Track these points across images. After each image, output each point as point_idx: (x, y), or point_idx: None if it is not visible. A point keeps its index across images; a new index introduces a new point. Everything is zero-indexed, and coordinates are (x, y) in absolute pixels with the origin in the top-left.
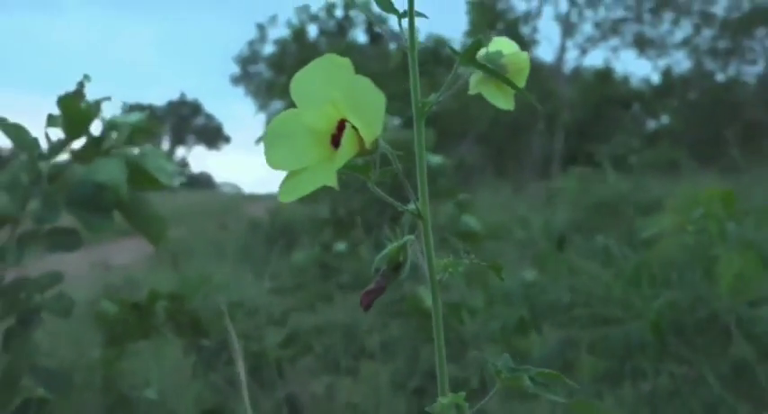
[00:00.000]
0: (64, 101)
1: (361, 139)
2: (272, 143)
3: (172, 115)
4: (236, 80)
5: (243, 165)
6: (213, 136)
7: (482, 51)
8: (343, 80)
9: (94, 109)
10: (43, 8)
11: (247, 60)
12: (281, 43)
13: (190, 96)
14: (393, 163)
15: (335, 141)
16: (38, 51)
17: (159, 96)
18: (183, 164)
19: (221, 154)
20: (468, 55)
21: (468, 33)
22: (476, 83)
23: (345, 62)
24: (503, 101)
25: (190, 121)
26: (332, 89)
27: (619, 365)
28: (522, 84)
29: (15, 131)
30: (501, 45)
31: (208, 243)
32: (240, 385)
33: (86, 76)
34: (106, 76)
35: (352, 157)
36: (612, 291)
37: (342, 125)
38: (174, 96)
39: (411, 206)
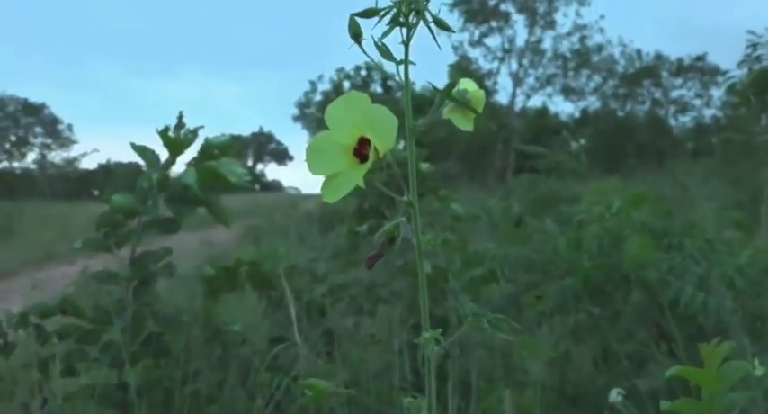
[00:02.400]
0: (161, 132)
1: (377, 151)
2: (313, 157)
3: (254, 142)
4: (296, 118)
5: (301, 175)
6: (282, 156)
7: (454, 89)
8: (362, 108)
9: (192, 136)
10: (168, 74)
11: (303, 105)
12: (325, 93)
13: (266, 129)
14: (393, 168)
15: (357, 153)
16: (163, 101)
17: (245, 130)
18: (261, 175)
19: (287, 168)
20: (447, 91)
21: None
22: (447, 111)
23: (363, 96)
24: (465, 124)
25: (266, 146)
26: (353, 115)
27: (557, 306)
28: (480, 111)
29: (142, 151)
30: (466, 85)
31: (277, 228)
32: (292, 322)
33: (181, 112)
34: (207, 116)
35: (374, 163)
36: (556, 255)
37: (361, 141)
38: (255, 129)
39: (405, 198)
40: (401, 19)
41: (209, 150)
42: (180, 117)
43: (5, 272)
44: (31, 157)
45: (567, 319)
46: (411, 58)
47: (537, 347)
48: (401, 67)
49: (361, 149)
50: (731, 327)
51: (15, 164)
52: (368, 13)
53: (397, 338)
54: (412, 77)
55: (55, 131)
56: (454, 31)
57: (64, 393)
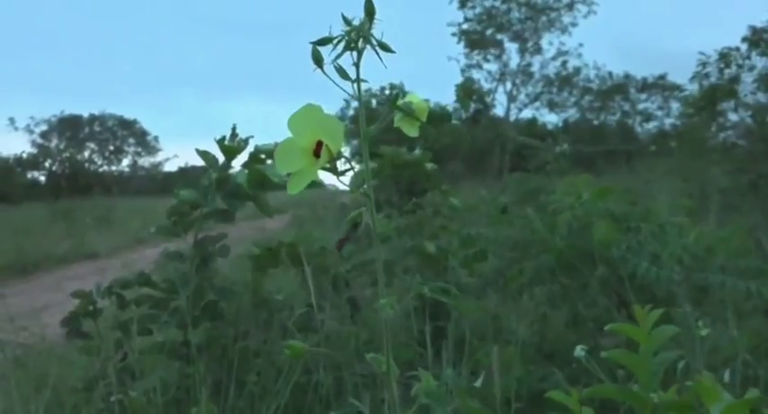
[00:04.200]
0: (218, 141)
1: (330, 151)
2: (279, 157)
3: None
4: None
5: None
6: None
7: (402, 100)
8: (317, 117)
9: (243, 143)
10: (232, 98)
11: (340, 118)
12: (356, 109)
13: None
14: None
15: (316, 153)
16: (229, 120)
17: None
18: None
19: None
20: (393, 103)
21: (456, 101)
22: (397, 120)
23: (318, 107)
24: (411, 131)
25: None
26: (310, 123)
27: (534, 279)
28: (424, 120)
29: (204, 155)
30: (412, 98)
31: (317, 217)
32: (310, 292)
33: (235, 125)
34: (264, 130)
35: (326, 162)
36: (534, 236)
37: (319, 144)
38: None
39: (361, 189)
40: (351, 44)
41: (257, 155)
42: (233, 128)
43: (104, 254)
44: (125, 162)
45: (544, 289)
46: (437, 81)
47: (474, 310)
48: (355, 85)
49: (318, 150)
50: (678, 296)
51: (113, 167)
52: (324, 42)
53: (407, 305)
54: (429, 95)
55: (144, 142)
56: (395, 52)
57: (140, 349)
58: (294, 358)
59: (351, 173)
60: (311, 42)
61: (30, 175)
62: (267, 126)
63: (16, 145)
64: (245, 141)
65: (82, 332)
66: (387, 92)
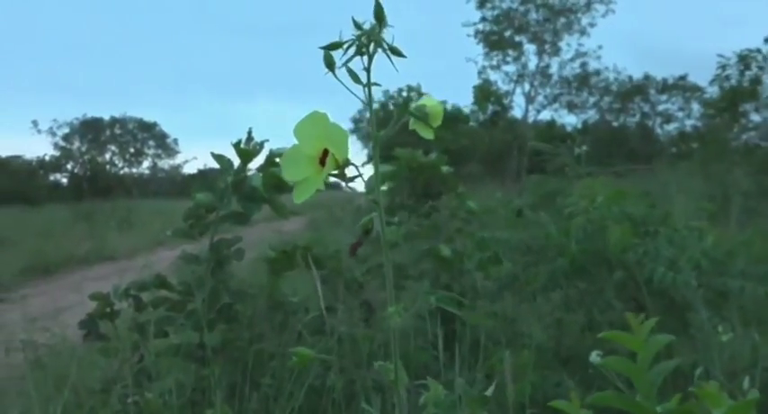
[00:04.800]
0: (234, 144)
1: (336, 160)
2: (286, 165)
3: None
4: (351, 131)
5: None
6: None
7: (416, 104)
8: (322, 125)
9: (258, 147)
10: (248, 100)
11: (357, 121)
12: (374, 111)
13: None
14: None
15: (322, 162)
16: (245, 121)
17: None
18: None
19: (346, 171)
20: (404, 106)
21: (474, 103)
22: (412, 123)
23: (324, 115)
24: (426, 133)
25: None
26: (316, 131)
27: (548, 283)
28: (439, 123)
29: (219, 159)
30: (427, 100)
31: (334, 219)
32: (318, 294)
33: (250, 129)
34: (279, 132)
35: (332, 170)
36: (548, 240)
37: (324, 152)
38: None
39: (371, 196)
40: (363, 49)
41: (272, 159)
42: (249, 132)
43: (125, 255)
44: (145, 164)
45: (560, 293)
46: (454, 82)
47: (483, 319)
48: (366, 89)
49: (324, 158)
50: (696, 301)
51: (133, 169)
52: (334, 46)
53: (420, 306)
54: (446, 97)
55: (164, 144)
56: (406, 57)
57: (156, 351)
58: (301, 365)
59: (364, 177)
60: (321, 47)
61: (52, 177)
62: (285, 127)
63: (39, 147)
64: (261, 145)
65: (100, 334)
66: (404, 94)
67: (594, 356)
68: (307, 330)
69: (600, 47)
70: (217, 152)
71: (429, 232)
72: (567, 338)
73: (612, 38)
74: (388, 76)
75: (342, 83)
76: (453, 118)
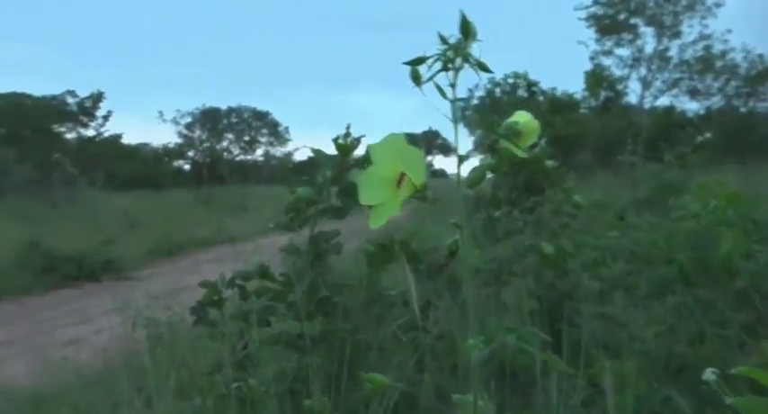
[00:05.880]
0: (333, 139)
1: (413, 184)
2: (363, 187)
3: (424, 139)
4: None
5: (463, 165)
6: (447, 149)
7: (507, 120)
8: (398, 148)
9: (356, 142)
10: (354, 91)
11: (463, 108)
12: (480, 98)
13: (434, 128)
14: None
15: (399, 184)
16: (351, 111)
17: (418, 129)
18: (429, 165)
19: (451, 159)
20: (487, 124)
21: (585, 89)
22: (504, 143)
23: (401, 137)
24: (520, 151)
25: (434, 141)
26: (392, 153)
27: (654, 293)
28: (534, 140)
29: (318, 152)
30: (519, 116)
31: (439, 209)
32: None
33: (349, 125)
34: (385, 122)
35: (409, 194)
36: (653, 247)
37: (401, 175)
38: (426, 129)
39: (453, 220)
40: (449, 64)
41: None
42: (348, 128)
43: (240, 238)
44: (259, 151)
45: (672, 299)
46: (551, 63)
47: (557, 362)
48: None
49: (401, 181)
50: None
51: (248, 157)
52: (418, 61)
53: (525, 306)
54: (555, 83)
55: (276, 132)
56: (493, 73)
57: (260, 339)
58: (375, 394)
59: (468, 165)
60: (406, 62)
61: (176, 163)
62: (390, 117)
63: (164, 136)
64: (358, 140)
65: (209, 320)
66: (510, 80)
67: (709, 374)
68: (401, 328)
69: (729, 31)
70: (325, 140)
71: (532, 228)
72: (680, 348)
73: (741, 16)
74: (497, 62)
75: (426, 96)
76: (563, 105)
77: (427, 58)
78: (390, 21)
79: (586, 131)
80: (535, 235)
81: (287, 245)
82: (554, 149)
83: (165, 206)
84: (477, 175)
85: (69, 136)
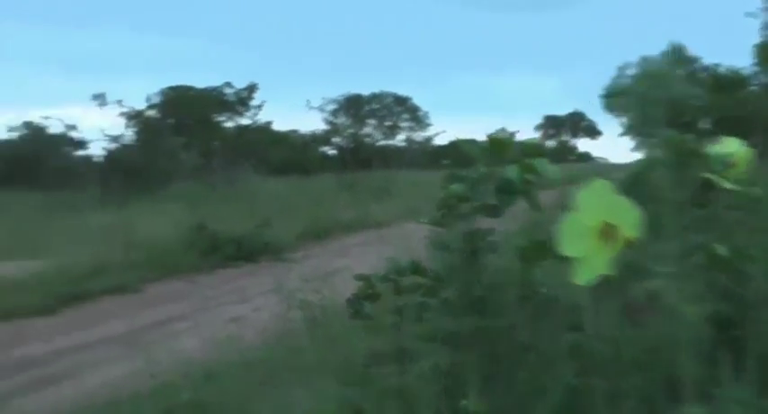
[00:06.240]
0: (488, 135)
1: (624, 236)
2: (566, 236)
3: (569, 121)
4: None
5: (609, 147)
6: (592, 131)
7: (716, 153)
8: (606, 197)
9: (511, 137)
10: (497, 73)
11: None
12: (632, 77)
13: (579, 110)
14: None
15: (605, 235)
16: (494, 94)
17: (563, 111)
18: (574, 147)
19: (597, 141)
20: (701, 162)
21: (755, 64)
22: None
23: (607, 185)
24: (725, 182)
25: (579, 124)
26: (599, 202)
27: None
28: (744, 168)
29: (468, 145)
30: (729, 145)
31: None
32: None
33: (504, 128)
34: (531, 104)
35: (620, 248)
36: None
37: (608, 225)
38: (571, 110)
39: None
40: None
41: (527, 150)
42: (501, 128)
43: (385, 222)
44: (400, 136)
45: None
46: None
47: None
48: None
49: (607, 232)
50: None
51: (390, 141)
52: (614, 94)
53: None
54: (720, 58)
55: (416, 117)
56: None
57: (415, 334)
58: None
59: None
60: (601, 96)
61: (322, 149)
62: (533, 99)
63: (311, 122)
64: (512, 135)
65: (364, 313)
66: (669, 52)
67: None
68: (563, 327)
69: None
70: (466, 124)
71: (702, 225)
72: None
73: None
74: (655, 34)
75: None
76: (730, 82)
77: (623, 90)
78: (533, 3)
79: (758, 111)
80: (706, 233)
81: (436, 240)
82: (720, 132)
83: (313, 190)
84: (644, 170)
85: (227, 125)
